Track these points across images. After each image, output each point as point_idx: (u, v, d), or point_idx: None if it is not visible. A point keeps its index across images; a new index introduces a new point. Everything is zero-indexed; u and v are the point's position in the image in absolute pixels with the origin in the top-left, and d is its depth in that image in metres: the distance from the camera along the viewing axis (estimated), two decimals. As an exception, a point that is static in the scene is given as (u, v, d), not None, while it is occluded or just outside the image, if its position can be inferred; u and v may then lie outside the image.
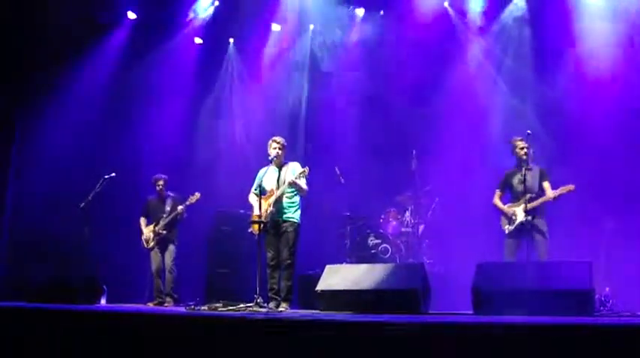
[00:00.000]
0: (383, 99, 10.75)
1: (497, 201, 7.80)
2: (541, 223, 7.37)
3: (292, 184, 7.19)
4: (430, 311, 6.35)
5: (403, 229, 9.43)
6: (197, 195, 8.66)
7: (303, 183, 7.28)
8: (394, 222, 9.50)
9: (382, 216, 9.65)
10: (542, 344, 3.57)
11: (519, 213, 7.45)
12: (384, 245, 9.27)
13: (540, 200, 7.36)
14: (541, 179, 7.51)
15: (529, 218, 7.29)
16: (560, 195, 7.29)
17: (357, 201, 9.94)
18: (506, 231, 7.55)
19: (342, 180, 9.62)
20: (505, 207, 7.65)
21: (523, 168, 7.40)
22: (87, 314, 5.34)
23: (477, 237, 9.17)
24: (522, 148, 7.55)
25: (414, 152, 9.18)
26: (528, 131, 7.25)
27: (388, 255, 9.19)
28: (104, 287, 8.36)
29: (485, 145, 9.62)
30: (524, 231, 7.38)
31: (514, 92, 9.91)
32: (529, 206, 7.28)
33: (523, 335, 3.66)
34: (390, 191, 9.86)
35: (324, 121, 10.76)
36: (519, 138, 7.64)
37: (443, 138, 9.99)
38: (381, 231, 9.47)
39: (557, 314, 4.99)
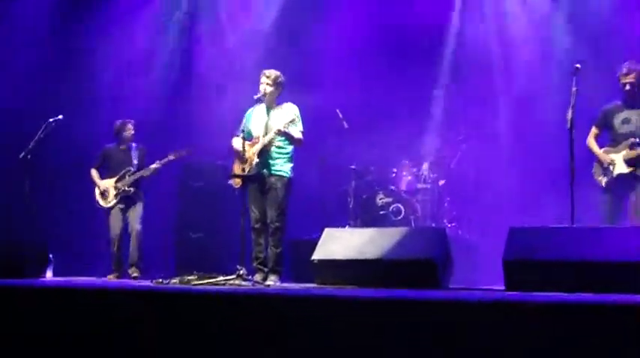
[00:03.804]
0: (397, 27, 10.60)
1: (591, 141, 7.57)
2: None
3: (280, 134, 7.15)
4: (452, 287, 6.39)
5: (419, 185, 9.44)
6: (181, 151, 8.66)
7: (295, 131, 7.24)
8: (409, 177, 9.50)
9: (394, 170, 9.64)
10: (586, 326, 3.59)
11: (618, 162, 7.28)
12: (396, 204, 9.29)
13: None
14: None
15: (631, 169, 7.16)
16: None
17: (363, 151, 9.92)
18: (602, 184, 7.38)
19: (346, 125, 9.58)
20: (600, 152, 7.43)
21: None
22: (29, 290, 5.35)
23: (511, 195, 9.20)
24: (625, 76, 7.34)
25: (433, 91, 9.13)
26: (577, 65, 7.16)
27: (401, 217, 9.22)
28: (50, 256, 8.38)
29: (522, 81, 9.55)
30: (626, 184, 7.25)
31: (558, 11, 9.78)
32: (633, 153, 7.15)
33: (564, 315, 3.68)
34: (404, 139, 9.84)
35: (324, 52, 10.65)
36: (627, 63, 7.39)
37: (470, 71, 9.92)
38: (393, 187, 9.48)
39: (609, 291, 5.01)
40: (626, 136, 7.28)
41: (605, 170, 7.36)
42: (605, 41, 9.10)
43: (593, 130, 7.60)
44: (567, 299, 4.05)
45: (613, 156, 7.32)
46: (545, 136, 8.84)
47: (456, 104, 9.63)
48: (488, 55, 9.87)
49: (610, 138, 7.51)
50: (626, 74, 7.32)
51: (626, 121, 7.36)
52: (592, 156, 7.49)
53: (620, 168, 7.25)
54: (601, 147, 7.49)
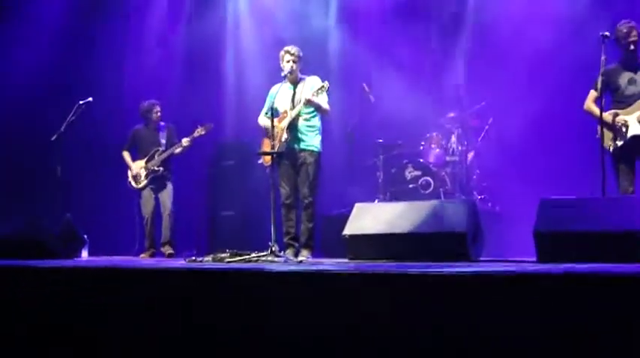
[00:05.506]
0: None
1: (591, 104, 7.25)
2: None
3: (309, 103, 7.15)
4: (482, 259, 6.39)
5: (448, 158, 9.41)
6: (208, 125, 8.70)
7: (323, 100, 7.24)
8: (437, 150, 9.47)
9: (422, 143, 9.62)
10: (619, 297, 3.57)
11: (632, 123, 7.01)
12: (425, 178, 9.27)
13: None
14: None
15: None
16: None
17: (391, 124, 9.89)
18: (610, 149, 7.08)
19: (372, 99, 9.56)
20: (606, 115, 7.03)
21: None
22: (65, 270, 5.42)
23: (541, 166, 9.13)
24: (628, 35, 7.07)
25: (461, 62, 9.06)
26: (605, 33, 7.01)
27: (430, 190, 9.20)
28: (85, 236, 8.48)
29: (551, 50, 9.41)
30: (638, 147, 7.03)
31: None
32: None
33: (597, 286, 3.66)
34: (432, 111, 9.79)
35: (350, 25, 10.59)
36: (625, 22, 7.13)
37: (499, 40, 9.79)
38: (422, 160, 9.45)
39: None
40: (635, 97, 7.10)
41: (617, 132, 7.09)
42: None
43: (593, 94, 7.25)
44: (600, 269, 4.02)
45: (624, 117, 7.08)
46: (574, 105, 8.73)
47: (484, 75, 9.53)
48: (516, 25, 9.73)
49: (613, 100, 7.27)
50: (628, 33, 7.07)
51: (632, 82, 7.14)
52: None
53: (635, 128, 7.00)
54: None
